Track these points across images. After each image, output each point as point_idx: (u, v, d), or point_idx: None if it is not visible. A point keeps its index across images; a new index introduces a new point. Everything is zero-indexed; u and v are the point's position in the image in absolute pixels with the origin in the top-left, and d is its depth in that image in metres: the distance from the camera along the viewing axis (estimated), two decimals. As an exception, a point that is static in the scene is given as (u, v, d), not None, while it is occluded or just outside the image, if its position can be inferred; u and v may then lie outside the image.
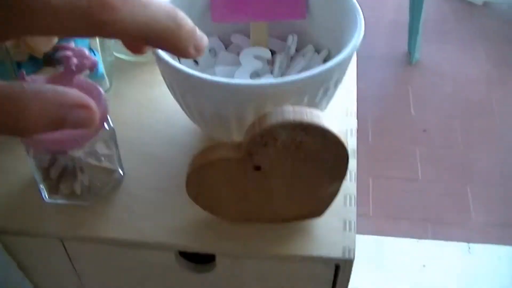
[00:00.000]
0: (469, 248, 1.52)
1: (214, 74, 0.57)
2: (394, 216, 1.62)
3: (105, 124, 0.49)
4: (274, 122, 0.40)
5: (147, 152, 0.57)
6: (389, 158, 1.77)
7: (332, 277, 0.52)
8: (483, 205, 1.63)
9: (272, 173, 0.44)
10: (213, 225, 0.51)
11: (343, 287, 0.53)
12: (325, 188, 0.47)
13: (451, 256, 1.50)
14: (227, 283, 0.55)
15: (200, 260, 0.55)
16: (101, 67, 0.62)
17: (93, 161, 0.51)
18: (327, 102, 0.51)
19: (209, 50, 0.60)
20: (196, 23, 0.27)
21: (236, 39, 0.61)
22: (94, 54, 0.60)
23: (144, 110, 0.62)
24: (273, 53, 0.60)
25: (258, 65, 0.57)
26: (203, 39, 0.27)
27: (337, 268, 0.51)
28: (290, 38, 0.59)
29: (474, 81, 2.04)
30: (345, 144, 0.42)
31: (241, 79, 0.56)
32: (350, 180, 0.54)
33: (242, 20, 0.59)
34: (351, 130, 0.59)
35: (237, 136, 0.49)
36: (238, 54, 0.59)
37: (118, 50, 0.68)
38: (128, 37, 0.24)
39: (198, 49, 0.27)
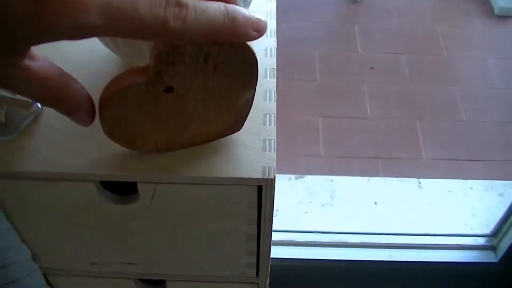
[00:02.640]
0: (420, 183, 1.53)
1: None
2: (345, 155, 1.62)
3: None
4: None
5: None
6: (338, 97, 1.77)
7: (256, 200, 0.51)
8: (432, 140, 1.65)
9: (186, 93, 0.42)
10: (133, 153, 0.49)
11: (269, 209, 0.51)
12: (239, 98, 0.45)
13: (402, 192, 1.52)
14: (153, 214, 0.54)
15: (125, 193, 0.53)
16: None
17: (6, 93, 0.50)
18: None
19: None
20: None
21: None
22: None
23: (63, 42, 0.58)
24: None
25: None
26: (260, 21, 0.33)
27: (260, 189, 0.49)
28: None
29: (419, 16, 2.03)
30: (252, 46, 0.40)
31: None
32: (270, 100, 0.53)
33: None
34: (271, 49, 0.57)
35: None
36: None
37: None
38: (190, 39, 0.31)
39: (258, 31, 0.33)
